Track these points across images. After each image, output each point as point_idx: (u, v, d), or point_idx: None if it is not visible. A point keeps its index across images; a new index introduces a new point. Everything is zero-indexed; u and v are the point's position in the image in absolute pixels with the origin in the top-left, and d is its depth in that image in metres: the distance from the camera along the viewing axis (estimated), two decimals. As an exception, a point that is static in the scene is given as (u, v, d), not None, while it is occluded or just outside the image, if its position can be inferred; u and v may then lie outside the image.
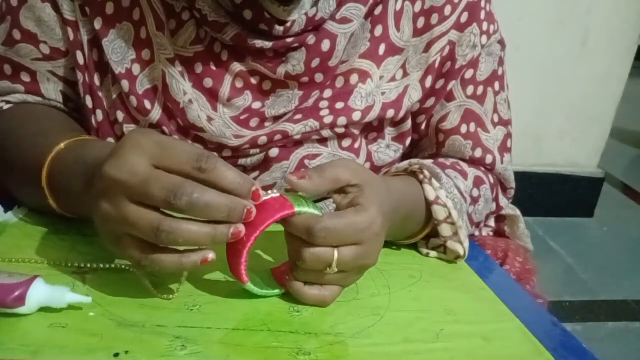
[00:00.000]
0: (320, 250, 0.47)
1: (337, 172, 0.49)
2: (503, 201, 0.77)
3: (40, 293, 0.43)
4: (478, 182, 0.70)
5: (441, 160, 0.69)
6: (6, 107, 0.66)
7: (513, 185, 0.78)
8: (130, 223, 0.42)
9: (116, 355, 0.41)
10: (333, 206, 0.53)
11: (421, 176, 0.62)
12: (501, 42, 0.71)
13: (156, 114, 0.63)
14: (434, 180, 0.61)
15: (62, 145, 0.55)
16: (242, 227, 0.44)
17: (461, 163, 0.71)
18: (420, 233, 0.63)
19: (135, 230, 0.43)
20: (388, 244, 0.65)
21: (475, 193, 0.69)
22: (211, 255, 0.44)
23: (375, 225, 0.49)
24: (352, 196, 0.50)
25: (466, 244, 0.62)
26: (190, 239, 0.43)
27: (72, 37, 0.63)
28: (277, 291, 0.51)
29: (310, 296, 0.50)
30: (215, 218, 0.43)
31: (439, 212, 0.60)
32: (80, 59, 0.63)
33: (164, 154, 0.42)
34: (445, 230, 0.61)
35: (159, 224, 0.42)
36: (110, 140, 0.65)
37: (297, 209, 0.47)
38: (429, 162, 0.65)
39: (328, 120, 0.63)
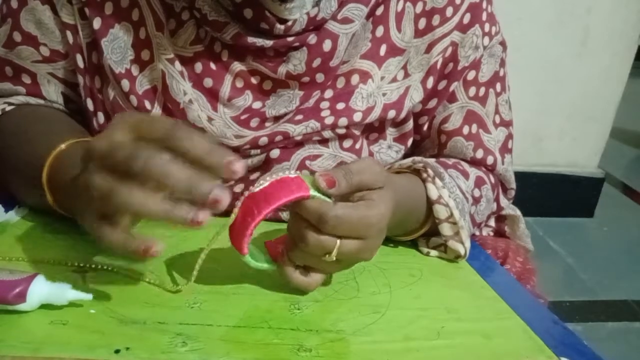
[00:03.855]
0: (325, 238, 0.46)
1: (362, 178, 0.48)
2: (504, 201, 0.77)
3: (41, 290, 0.43)
4: (479, 182, 0.70)
5: (443, 159, 0.70)
6: (9, 108, 0.66)
7: (514, 185, 0.78)
8: (90, 187, 0.41)
9: (117, 351, 0.41)
10: None
11: (424, 174, 0.62)
12: (502, 43, 0.71)
13: (156, 113, 0.63)
14: (437, 180, 0.61)
15: (62, 146, 0.55)
16: (202, 217, 0.40)
17: (462, 163, 0.71)
18: (418, 231, 0.63)
19: (91, 194, 0.41)
20: (388, 242, 0.65)
21: (477, 193, 0.69)
22: (156, 248, 0.41)
23: (382, 222, 0.49)
24: (367, 192, 0.49)
25: (467, 243, 0.62)
26: (142, 209, 0.40)
27: (71, 40, 0.63)
28: (270, 266, 0.50)
29: (298, 280, 0.50)
30: (175, 190, 0.39)
31: (441, 212, 0.60)
32: (80, 62, 0.63)
33: (141, 124, 0.42)
34: (446, 229, 0.61)
35: (112, 187, 0.40)
36: None
37: (312, 193, 0.46)
38: (432, 160, 0.65)
39: (329, 121, 0.63)
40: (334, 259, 0.47)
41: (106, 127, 0.44)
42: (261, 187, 0.46)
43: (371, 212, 0.48)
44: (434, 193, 0.61)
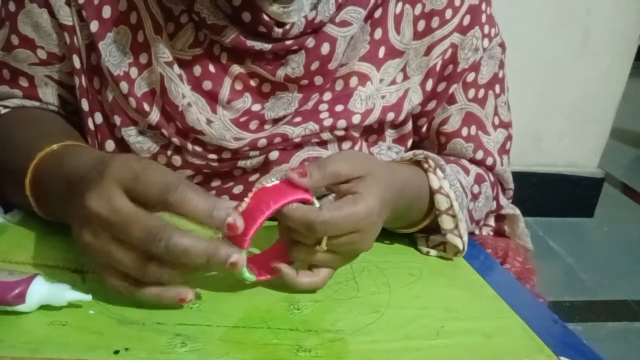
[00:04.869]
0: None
1: (337, 167, 0.50)
2: (503, 200, 0.77)
3: (40, 291, 0.43)
4: (479, 179, 0.70)
5: (443, 157, 0.70)
6: (3, 111, 0.66)
7: (512, 185, 0.78)
8: (114, 258, 0.43)
9: (116, 352, 0.41)
10: (332, 196, 0.54)
11: (426, 165, 0.62)
12: (502, 45, 0.72)
13: (155, 116, 0.63)
14: (438, 170, 0.61)
15: (44, 151, 0.55)
16: (216, 273, 0.46)
17: (463, 160, 0.71)
18: (420, 223, 0.63)
19: (119, 265, 0.43)
20: (388, 242, 0.65)
21: (476, 189, 0.69)
22: (189, 297, 0.45)
23: (373, 214, 0.49)
24: (350, 185, 0.50)
25: (465, 237, 0.62)
26: (173, 280, 0.45)
27: (68, 41, 0.63)
28: (250, 276, 0.48)
29: (303, 284, 0.51)
30: (195, 263, 0.43)
31: (441, 202, 0.60)
32: (77, 63, 0.63)
33: (136, 186, 0.42)
34: (446, 222, 0.61)
35: (144, 267, 0.43)
36: (110, 142, 0.65)
37: (314, 200, 0.49)
38: (433, 153, 0.65)
39: (327, 123, 0.63)
40: (325, 247, 0.49)
41: (96, 176, 0.44)
42: (273, 183, 0.48)
43: (358, 207, 0.48)
44: (435, 183, 0.61)
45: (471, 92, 0.70)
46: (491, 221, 0.81)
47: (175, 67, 0.62)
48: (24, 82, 0.66)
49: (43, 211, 0.56)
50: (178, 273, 0.44)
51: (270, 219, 0.47)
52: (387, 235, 0.64)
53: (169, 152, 0.64)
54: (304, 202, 0.48)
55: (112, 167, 0.43)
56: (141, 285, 0.45)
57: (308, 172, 0.49)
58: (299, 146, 0.65)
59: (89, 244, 0.44)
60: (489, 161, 0.72)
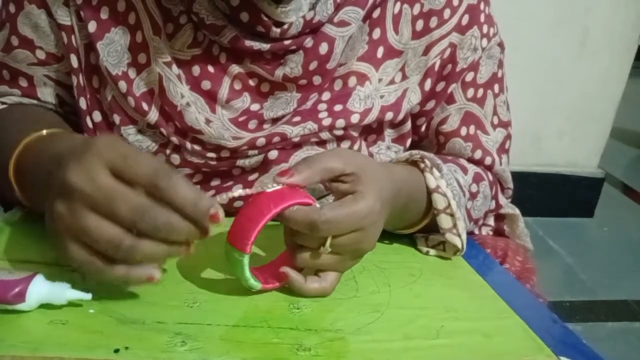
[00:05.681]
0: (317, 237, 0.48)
1: (327, 161, 0.50)
2: (502, 200, 0.77)
3: (40, 289, 0.43)
4: (477, 178, 0.70)
5: (442, 156, 0.70)
6: (1, 107, 0.66)
7: (511, 185, 0.78)
8: (88, 233, 0.42)
9: (116, 351, 0.41)
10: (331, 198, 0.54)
11: (422, 165, 0.62)
12: (500, 45, 0.72)
13: (153, 115, 0.63)
14: (434, 170, 0.61)
15: (31, 137, 0.55)
16: (193, 249, 0.44)
17: (461, 159, 0.71)
18: (419, 223, 0.63)
19: (92, 241, 0.42)
20: (388, 242, 0.65)
21: (474, 188, 0.69)
22: (157, 276, 0.44)
23: (374, 211, 0.49)
24: (349, 185, 0.50)
25: (464, 236, 0.62)
26: (147, 257, 0.43)
27: (66, 41, 0.63)
28: (256, 283, 0.49)
29: (311, 290, 0.51)
30: (177, 240, 0.43)
31: (439, 201, 0.61)
32: (75, 63, 0.63)
33: (124, 166, 0.42)
34: (444, 221, 0.61)
35: (120, 241, 0.41)
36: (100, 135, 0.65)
37: (316, 203, 0.49)
38: (429, 153, 0.65)
39: (326, 122, 0.64)
40: (329, 249, 0.48)
41: (78, 151, 0.43)
42: (274, 188, 0.48)
43: (359, 205, 0.48)
44: (432, 182, 0.61)
45: (470, 92, 0.70)
46: (491, 221, 0.81)
47: (174, 67, 0.62)
48: (23, 82, 0.66)
49: (26, 197, 0.55)
50: (155, 250, 0.43)
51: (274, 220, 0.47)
52: (387, 235, 0.64)
53: (168, 151, 0.64)
54: (305, 205, 0.48)
55: (97, 145, 0.42)
56: (109, 262, 0.43)
57: (295, 169, 0.48)
58: (298, 146, 0.65)
59: (62, 215, 0.42)
60: (488, 160, 0.72)
